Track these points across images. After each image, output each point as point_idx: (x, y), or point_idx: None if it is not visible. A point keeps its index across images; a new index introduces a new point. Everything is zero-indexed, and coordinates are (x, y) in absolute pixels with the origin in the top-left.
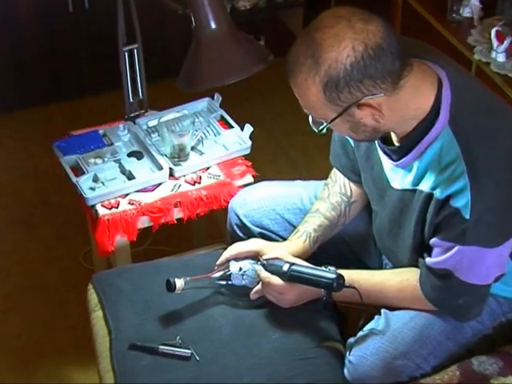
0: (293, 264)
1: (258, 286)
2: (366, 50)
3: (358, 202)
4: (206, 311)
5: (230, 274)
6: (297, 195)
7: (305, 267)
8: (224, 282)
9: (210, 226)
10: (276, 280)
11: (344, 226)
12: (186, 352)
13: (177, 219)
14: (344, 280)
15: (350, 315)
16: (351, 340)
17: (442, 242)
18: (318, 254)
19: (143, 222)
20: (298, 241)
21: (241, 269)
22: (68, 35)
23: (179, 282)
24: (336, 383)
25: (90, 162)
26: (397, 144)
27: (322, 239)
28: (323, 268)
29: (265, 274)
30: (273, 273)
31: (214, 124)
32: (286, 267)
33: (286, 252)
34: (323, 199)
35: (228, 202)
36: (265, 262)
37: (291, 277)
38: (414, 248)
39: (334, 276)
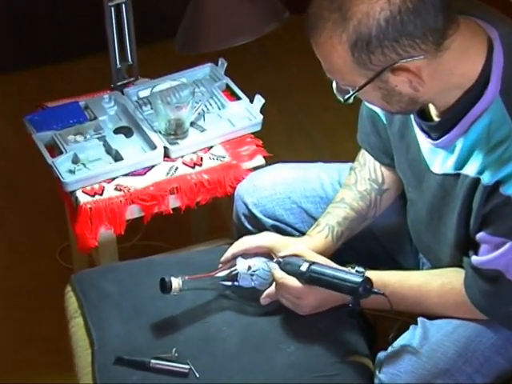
0: (313, 263)
1: (271, 289)
2: (405, 2)
3: (391, 189)
4: (208, 318)
5: (236, 274)
6: (317, 180)
7: (327, 268)
8: (229, 283)
9: (212, 217)
10: (293, 281)
11: (374, 218)
12: (184, 367)
13: (173, 209)
14: (372, 284)
15: (379, 324)
16: (381, 354)
17: (490, 237)
18: (343, 251)
19: (133, 212)
20: (319, 236)
21: (250, 268)
22: None
23: (176, 282)
24: None
25: (68, 140)
26: (437, 119)
27: (348, 234)
28: (349, 269)
29: (280, 274)
30: (289, 273)
31: (217, 95)
32: (304, 267)
33: (304, 249)
34: (349, 186)
35: (234, 189)
36: (280, 259)
37: (310, 278)
38: (458, 244)
39: (360, 279)
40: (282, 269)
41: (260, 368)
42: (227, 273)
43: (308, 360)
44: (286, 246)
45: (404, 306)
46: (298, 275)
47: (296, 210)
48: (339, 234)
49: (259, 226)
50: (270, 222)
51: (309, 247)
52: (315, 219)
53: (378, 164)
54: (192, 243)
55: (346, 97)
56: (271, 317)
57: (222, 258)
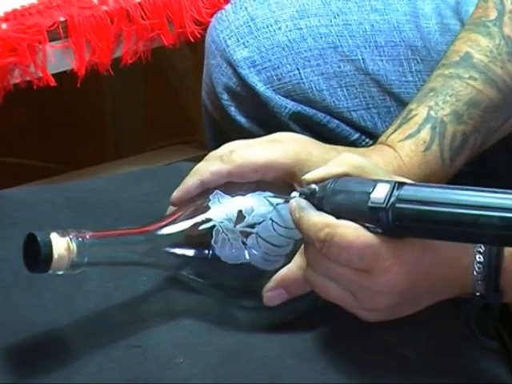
0: (401, 185)
1: (292, 266)
2: None
3: None
4: (140, 338)
5: (209, 230)
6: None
7: (433, 190)
8: (191, 252)
9: (153, 104)
10: (356, 232)
11: None
12: None
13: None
14: None
15: None
16: None
17: None
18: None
19: None
20: (410, 147)
21: (241, 215)
22: None
23: (62, 245)
24: None
25: None
26: None
27: (478, 144)
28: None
29: (320, 219)
30: (340, 215)
31: None
32: (381, 192)
33: (365, 161)
34: (483, 26)
35: (204, 30)
36: (314, 187)
37: (400, 221)
38: None
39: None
40: (321, 208)
41: None
42: (188, 226)
43: None
44: (325, 158)
45: None
46: (368, 217)
47: (351, 79)
48: (458, 142)
49: (263, 118)
50: (290, 103)
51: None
52: (401, 102)
53: None
54: (108, 159)
55: None
56: (290, 335)
57: (176, 193)
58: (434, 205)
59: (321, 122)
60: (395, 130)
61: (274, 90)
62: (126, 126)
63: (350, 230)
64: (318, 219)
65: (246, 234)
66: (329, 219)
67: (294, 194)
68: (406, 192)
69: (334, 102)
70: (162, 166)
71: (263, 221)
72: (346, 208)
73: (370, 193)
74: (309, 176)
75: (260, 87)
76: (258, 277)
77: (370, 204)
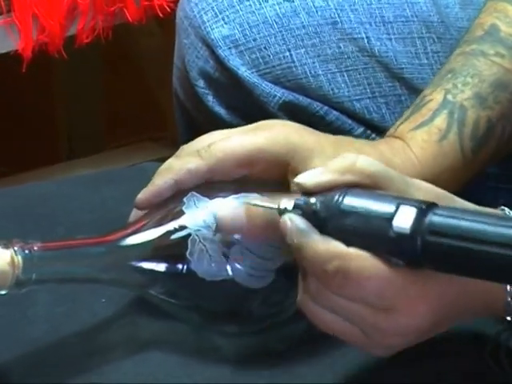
0: (431, 207)
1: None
2: None
3: None
4: (104, 368)
5: (184, 239)
6: None
7: (473, 217)
8: (163, 268)
9: (117, 95)
10: (377, 266)
11: None
12: None
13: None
14: None
15: None
16: None
17: None
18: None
19: None
20: (423, 137)
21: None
22: None
23: (5, 259)
24: None
25: None
26: None
27: (504, 133)
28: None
29: (330, 247)
30: (348, 239)
31: None
32: (407, 215)
33: (381, 166)
34: None
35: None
36: (313, 201)
37: (431, 255)
38: None
39: None
40: (324, 228)
41: None
42: (157, 235)
43: None
44: (323, 145)
45: None
46: (389, 247)
47: (353, 61)
48: (482, 131)
49: (247, 109)
50: (279, 91)
51: (399, 168)
52: (413, 89)
53: None
54: (61, 159)
55: None
56: (281, 368)
57: (142, 195)
58: (474, 240)
59: (317, 113)
60: (405, 120)
61: (260, 76)
62: (82, 120)
63: (368, 264)
64: (325, 248)
65: (228, 244)
66: (339, 248)
67: (285, 203)
68: (439, 220)
69: (332, 89)
70: (124, 167)
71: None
72: (359, 234)
73: (392, 217)
74: (303, 179)
75: (243, 72)
76: (243, 297)
77: (392, 233)
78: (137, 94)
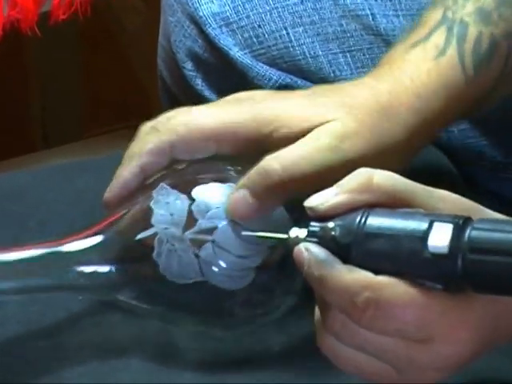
0: (467, 222)
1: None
2: None
3: None
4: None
5: (152, 238)
6: None
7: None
8: (129, 271)
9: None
10: (412, 294)
11: None
12: None
13: None
14: None
15: None
16: None
17: None
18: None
19: None
20: (416, 57)
21: (192, 214)
22: None
23: None
24: None
25: None
26: None
27: (510, 55)
28: None
29: (358, 278)
30: (369, 262)
31: None
32: (442, 233)
33: (409, 187)
34: None
35: None
36: (336, 225)
37: (475, 275)
38: None
39: None
40: (347, 257)
41: None
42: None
43: None
44: (302, 115)
45: None
46: (425, 270)
47: (356, 41)
48: (485, 46)
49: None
50: (275, 74)
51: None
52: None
53: None
54: (34, 148)
55: None
56: (263, 372)
57: (108, 192)
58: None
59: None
60: (399, 43)
61: (254, 57)
62: (58, 104)
63: (401, 291)
64: (353, 278)
65: (200, 243)
66: (368, 278)
67: (296, 231)
68: (479, 235)
69: (334, 71)
70: (103, 157)
71: (222, 223)
72: (388, 258)
73: (427, 236)
74: (315, 202)
75: (235, 52)
76: (221, 299)
77: (428, 254)
78: (119, 75)
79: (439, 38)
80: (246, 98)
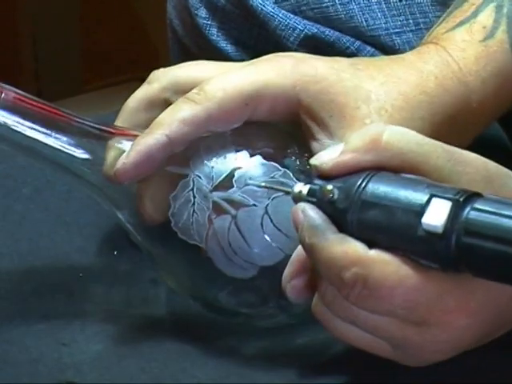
0: (469, 200)
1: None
2: None
3: None
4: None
5: (179, 178)
6: None
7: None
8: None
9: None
10: (403, 273)
11: None
12: None
13: None
14: None
15: None
16: None
17: None
18: None
19: None
20: (461, 38)
21: (231, 177)
22: None
23: None
24: None
25: None
26: None
27: None
28: None
29: (347, 251)
30: (362, 233)
31: None
32: (439, 210)
33: (423, 147)
34: None
35: None
36: (336, 189)
37: (470, 259)
38: None
39: None
40: (344, 223)
41: None
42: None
43: None
44: (345, 81)
45: None
46: (418, 247)
47: None
48: None
49: (260, 45)
50: (300, 23)
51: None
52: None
53: None
54: None
55: None
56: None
57: (122, 164)
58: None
59: (347, 49)
60: (442, 21)
61: (276, 3)
62: (54, 55)
63: (391, 270)
64: (342, 251)
65: (220, 211)
66: (357, 253)
67: (300, 186)
68: (477, 216)
69: (366, 20)
70: (106, 113)
71: (254, 205)
72: (382, 231)
73: (422, 212)
74: (319, 160)
75: None
76: (213, 276)
77: (421, 232)
78: (122, 22)
79: (487, 17)
80: (274, 58)
